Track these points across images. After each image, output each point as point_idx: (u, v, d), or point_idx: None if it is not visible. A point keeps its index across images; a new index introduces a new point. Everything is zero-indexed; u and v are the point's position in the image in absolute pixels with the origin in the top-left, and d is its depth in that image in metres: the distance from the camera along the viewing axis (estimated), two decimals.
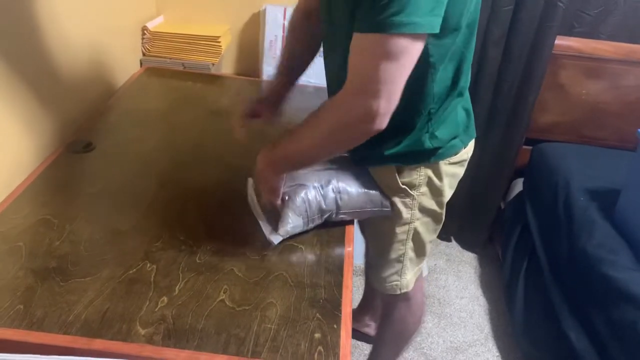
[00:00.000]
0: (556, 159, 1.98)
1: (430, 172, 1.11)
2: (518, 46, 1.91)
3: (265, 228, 1.07)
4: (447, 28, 0.88)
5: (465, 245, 2.42)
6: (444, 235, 2.44)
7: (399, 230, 1.17)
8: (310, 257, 1.04)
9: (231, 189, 1.20)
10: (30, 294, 0.89)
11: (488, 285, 2.22)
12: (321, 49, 1.15)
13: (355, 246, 1.10)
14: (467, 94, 1.11)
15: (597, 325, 1.43)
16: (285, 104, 1.23)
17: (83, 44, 1.48)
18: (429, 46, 0.89)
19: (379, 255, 1.25)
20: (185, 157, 1.34)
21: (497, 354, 1.91)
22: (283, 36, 1.91)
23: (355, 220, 1.17)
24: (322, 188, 1.07)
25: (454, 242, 2.45)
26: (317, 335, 0.87)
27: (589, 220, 1.62)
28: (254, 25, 1.98)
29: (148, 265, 0.97)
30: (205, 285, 0.94)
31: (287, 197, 1.05)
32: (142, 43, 1.89)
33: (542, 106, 2.09)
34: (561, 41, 1.94)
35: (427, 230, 1.20)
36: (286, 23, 1.89)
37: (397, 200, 1.13)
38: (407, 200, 1.13)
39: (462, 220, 2.34)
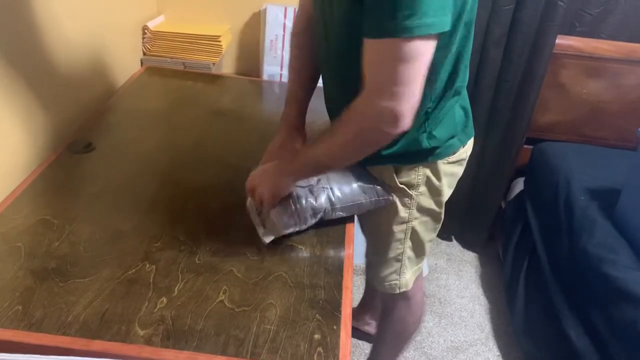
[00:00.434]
0: (557, 159, 1.98)
1: (428, 172, 1.10)
2: (518, 45, 1.90)
3: (259, 228, 1.07)
4: None
5: (466, 244, 2.42)
6: (444, 235, 2.44)
7: (397, 229, 1.17)
8: (310, 257, 1.04)
9: (231, 189, 1.20)
10: (29, 295, 0.89)
11: (489, 284, 2.22)
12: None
13: (355, 246, 1.10)
14: (464, 93, 1.10)
15: (598, 324, 1.43)
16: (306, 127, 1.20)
17: (83, 43, 1.48)
18: None
19: (377, 254, 1.25)
20: (185, 157, 1.34)
21: (498, 353, 1.91)
22: (284, 36, 1.91)
23: (356, 220, 1.17)
24: (312, 187, 1.07)
25: (454, 242, 2.45)
26: (316, 336, 0.87)
27: (589, 220, 1.62)
28: (255, 25, 1.98)
29: (147, 265, 0.97)
30: (205, 286, 0.94)
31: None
32: (142, 42, 1.89)
33: (543, 105, 2.09)
34: (562, 40, 1.94)
35: (426, 230, 1.20)
36: (287, 22, 1.89)
37: (395, 200, 1.13)
38: (406, 199, 1.13)
39: (462, 220, 2.34)
